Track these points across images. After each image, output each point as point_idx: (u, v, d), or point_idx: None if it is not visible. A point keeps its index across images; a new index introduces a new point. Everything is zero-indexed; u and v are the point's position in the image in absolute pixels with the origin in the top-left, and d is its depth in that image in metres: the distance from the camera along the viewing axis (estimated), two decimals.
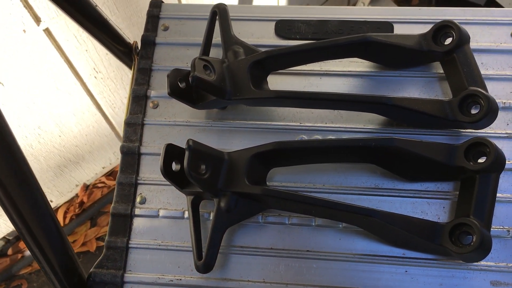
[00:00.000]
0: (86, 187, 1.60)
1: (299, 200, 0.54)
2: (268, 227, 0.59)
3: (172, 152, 0.56)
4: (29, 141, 1.25)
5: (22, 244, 1.51)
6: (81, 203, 1.59)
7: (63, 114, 1.27)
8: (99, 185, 1.62)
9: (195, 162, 0.54)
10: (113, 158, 1.57)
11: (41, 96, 1.17)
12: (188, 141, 0.53)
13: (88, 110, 1.33)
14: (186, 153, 0.53)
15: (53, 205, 1.55)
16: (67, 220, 1.58)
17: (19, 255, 1.50)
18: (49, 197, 1.51)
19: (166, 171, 0.55)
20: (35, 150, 1.29)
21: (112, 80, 1.30)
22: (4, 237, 1.48)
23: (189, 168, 0.52)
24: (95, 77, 1.25)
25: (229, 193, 0.55)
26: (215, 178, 0.55)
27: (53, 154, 1.36)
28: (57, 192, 1.52)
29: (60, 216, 1.58)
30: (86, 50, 1.17)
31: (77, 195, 1.60)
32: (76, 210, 1.59)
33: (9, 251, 1.50)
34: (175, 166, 0.56)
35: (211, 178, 0.55)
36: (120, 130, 1.47)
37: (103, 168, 1.58)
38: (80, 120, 1.33)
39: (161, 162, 0.54)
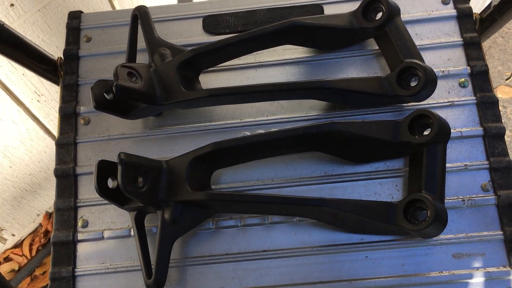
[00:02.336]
0: (49, 215, 1.54)
1: (245, 200, 0.52)
2: (221, 232, 0.57)
3: (106, 169, 0.53)
4: None
5: None
6: (46, 232, 1.53)
7: (10, 144, 1.21)
8: None
9: (131, 176, 0.50)
10: None
11: None
12: (119, 154, 0.50)
13: (36, 136, 1.27)
14: (119, 167, 0.50)
15: (16, 238, 1.49)
16: (33, 252, 1.52)
17: None
18: (10, 230, 1.45)
19: (102, 190, 0.52)
20: None
21: (57, 101, 1.25)
22: None
23: (124, 183, 0.49)
24: (38, 101, 1.20)
25: (172, 203, 0.52)
26: (155, 190, 0.52)
27: (6, 186, 1.30)
28: (18, 225, 1.45)
29: (25, 249, 1.52)
30: (23, 74, 1.12)
31: (40, 225, 1.54)
32: (42, 240, 1.53)
33: None
34: (112, 183, 0.53)
35: (150, 190, 0.51)
36: None
37: None
38: (29, 147, 1.27)
39: (94, 181, 0.51)
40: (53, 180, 1.40)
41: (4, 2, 0.96)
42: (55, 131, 1.30)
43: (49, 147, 1.33)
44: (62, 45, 1.14)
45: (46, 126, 1.28)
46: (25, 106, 1.18)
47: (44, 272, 1.49)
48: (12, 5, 0.98)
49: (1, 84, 1.09)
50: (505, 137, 0.57)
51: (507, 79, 1.75)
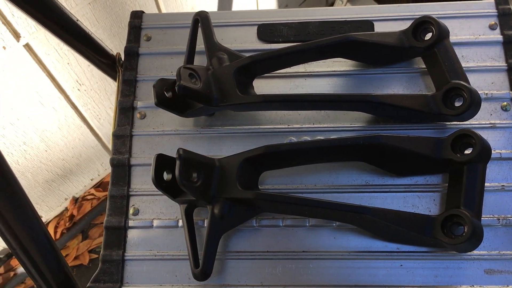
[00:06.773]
0: (75, 200, 1.59)
1: (291, 202, 0.55)
2: (263, 230, 0.60)
3: (162, 162, 0.56)
4: (15, 158, 1.24)
5: (14, 262, 1.49)
6: (71, 216, 1.58)
7: (48, 129, 1.26)
8: (89, 197, 1.61)
9: (187, 171, 0.54)
10: (101, 170, 1.56)
11: (25, 112, 1.16)
12: (178, 150, 0.53)
13: (73, 123, 1.32)
14: (177, 162, 0.53)
15: (43, 220, 1.53)
16: (58, 235, 1.56)
17: (11, 273, 1.48)
18: (38, 212, 1.49)
19: (158, 182, 0.55)
20: (22, 166, 1.28)
21: (96, 92, 1.29)
22: None
23: (181, 177, 0.52)
24: (79, 90, 1.25)
25: (222, 199, 0.55)
26: (208, 185, 0.55)
27: (40, 169, 1.35)
28: (47, 207, 1.50)
29: (51, 231, 1.57)
30: (68, 63, 1.16)
31: (66, 209, 1.58)
32: (67, 224, 1.57)
33: (1, 269, 1.48)
34: (166, 176, 0.56)
35: (203, 185, 0.55)
36: (107, 141, 1.46)
37: (91, 180, 1.57)
38: (66, 134, 1.32)
39: (152, 173, 0.54)
40: (83, 166, 1.45)
41: None
42: (91, 120, 1.35)
43: (83, 135, 1.38)
44: (105, 38, 1.19)
45: (83, 115, 1.32)
46: (66, 93, 1.23)
47: (67, 255, 1.53)
48: None
49: (47, 72, 1.14)
50: None
51: None
